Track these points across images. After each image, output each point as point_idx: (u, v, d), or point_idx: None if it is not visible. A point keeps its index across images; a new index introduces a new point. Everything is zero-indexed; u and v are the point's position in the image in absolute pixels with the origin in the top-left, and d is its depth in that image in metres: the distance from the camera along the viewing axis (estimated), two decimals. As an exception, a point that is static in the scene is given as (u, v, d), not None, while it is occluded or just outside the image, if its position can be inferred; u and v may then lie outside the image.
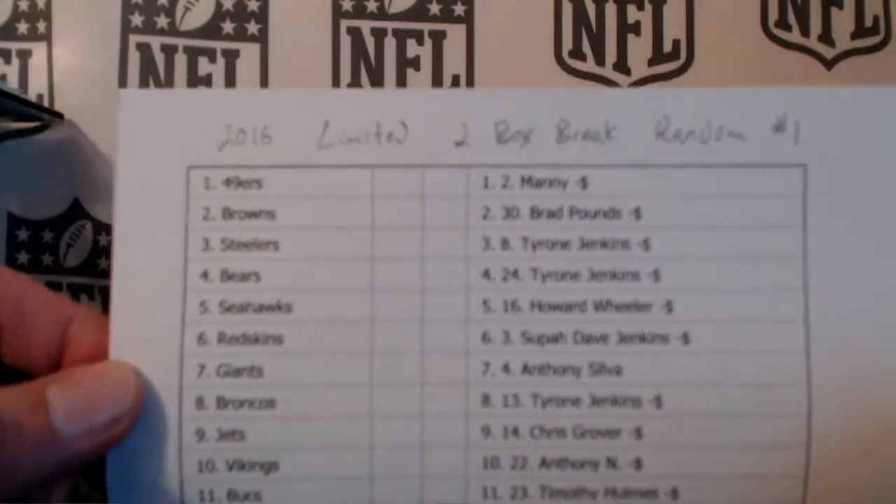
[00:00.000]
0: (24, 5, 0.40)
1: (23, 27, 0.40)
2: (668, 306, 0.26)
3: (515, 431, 0.26)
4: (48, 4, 0.40)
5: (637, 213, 0.27)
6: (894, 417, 0.26)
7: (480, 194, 0.26)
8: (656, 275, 0.26)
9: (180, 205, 0.26)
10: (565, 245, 0.27)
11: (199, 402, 0.26)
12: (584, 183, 0.27)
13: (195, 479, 0.26)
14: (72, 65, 0.40)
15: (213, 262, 0.26)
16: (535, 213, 0.27)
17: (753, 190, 0.27)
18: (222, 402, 0.26)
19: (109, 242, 0.37)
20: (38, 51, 0.40)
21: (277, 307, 0.26)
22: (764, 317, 0.26)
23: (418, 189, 0.26)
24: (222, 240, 0.26)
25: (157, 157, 0.26)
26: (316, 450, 0.26)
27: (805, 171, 0.26)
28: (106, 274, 0.38)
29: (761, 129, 0.27)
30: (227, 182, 0.26)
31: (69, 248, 0.39)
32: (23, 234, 0.39)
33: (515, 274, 0.26)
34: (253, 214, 0.26)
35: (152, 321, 0.26)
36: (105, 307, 0.37)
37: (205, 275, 0.26)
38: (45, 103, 0.39)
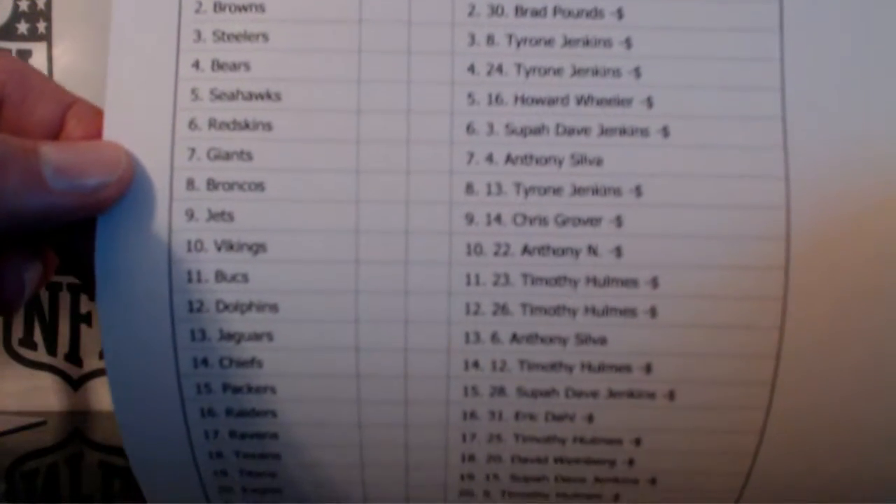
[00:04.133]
0: (24, 5, 0.40)
1: (23, 27, 0.40)
2: (649, 101, 0.27)
3: (498, 218, 0.27)
4: (48, 4, 0.40)
5: (619, 13, 0.27)
6: (870, 206, 0.27)
7: None
8: (637, 72, 0.27)
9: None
10: (549, 42, 0.27)
11: (190, 184, 0.26)
12: None
13: (184, 258, 0.26)
14: (72, 65, 0.40)
15: (204, 53, 0.27)
16: (519, 11, 0.27)
17: None
18: (212, 184, 0.26)
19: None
20: (38, 51, 0.40)
21: (267, 95, 0.27)
22: (742, 113, 0.27)
23: None
24: (213, 31, 0.27)
25: None
26: (303, 232, 0.26)
27: None
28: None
29: None
30: None
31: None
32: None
33: (500, 69, 0.27)
34: (243, 8, 0.27)
35: (144, 107, 0.27)
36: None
37: (196, 64, 0.27)
38: (45, 103, 0.39)
